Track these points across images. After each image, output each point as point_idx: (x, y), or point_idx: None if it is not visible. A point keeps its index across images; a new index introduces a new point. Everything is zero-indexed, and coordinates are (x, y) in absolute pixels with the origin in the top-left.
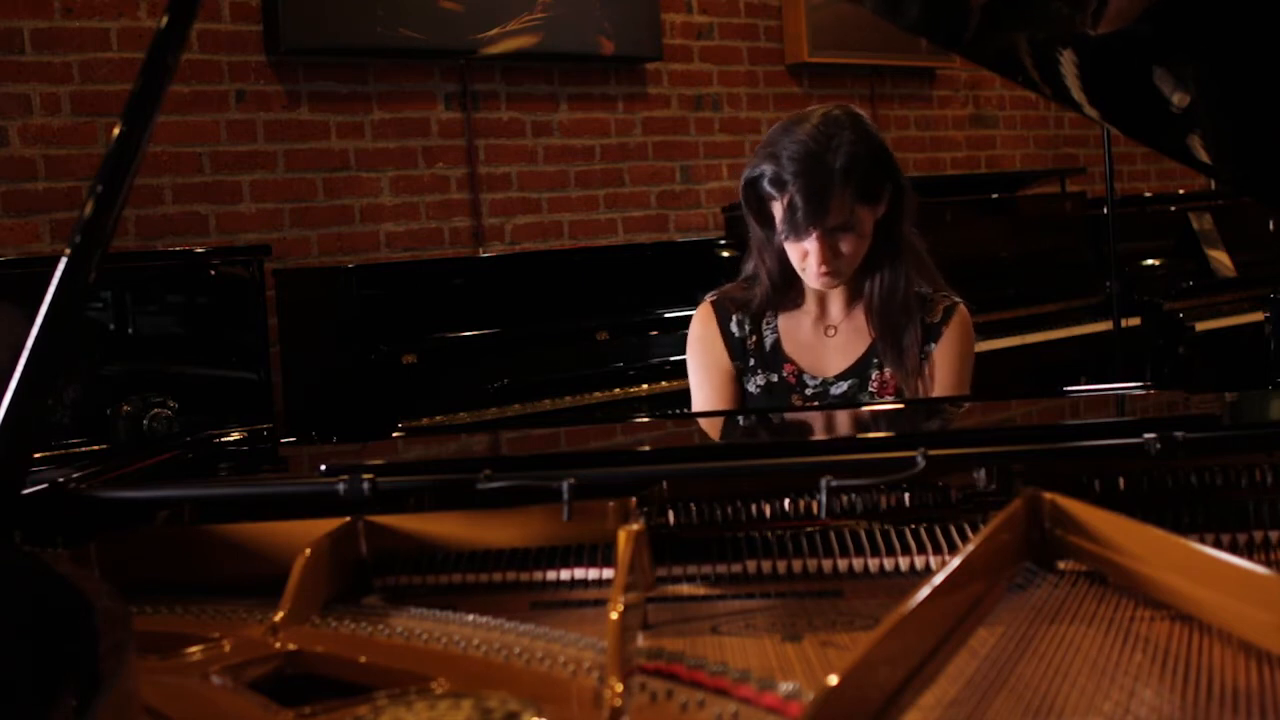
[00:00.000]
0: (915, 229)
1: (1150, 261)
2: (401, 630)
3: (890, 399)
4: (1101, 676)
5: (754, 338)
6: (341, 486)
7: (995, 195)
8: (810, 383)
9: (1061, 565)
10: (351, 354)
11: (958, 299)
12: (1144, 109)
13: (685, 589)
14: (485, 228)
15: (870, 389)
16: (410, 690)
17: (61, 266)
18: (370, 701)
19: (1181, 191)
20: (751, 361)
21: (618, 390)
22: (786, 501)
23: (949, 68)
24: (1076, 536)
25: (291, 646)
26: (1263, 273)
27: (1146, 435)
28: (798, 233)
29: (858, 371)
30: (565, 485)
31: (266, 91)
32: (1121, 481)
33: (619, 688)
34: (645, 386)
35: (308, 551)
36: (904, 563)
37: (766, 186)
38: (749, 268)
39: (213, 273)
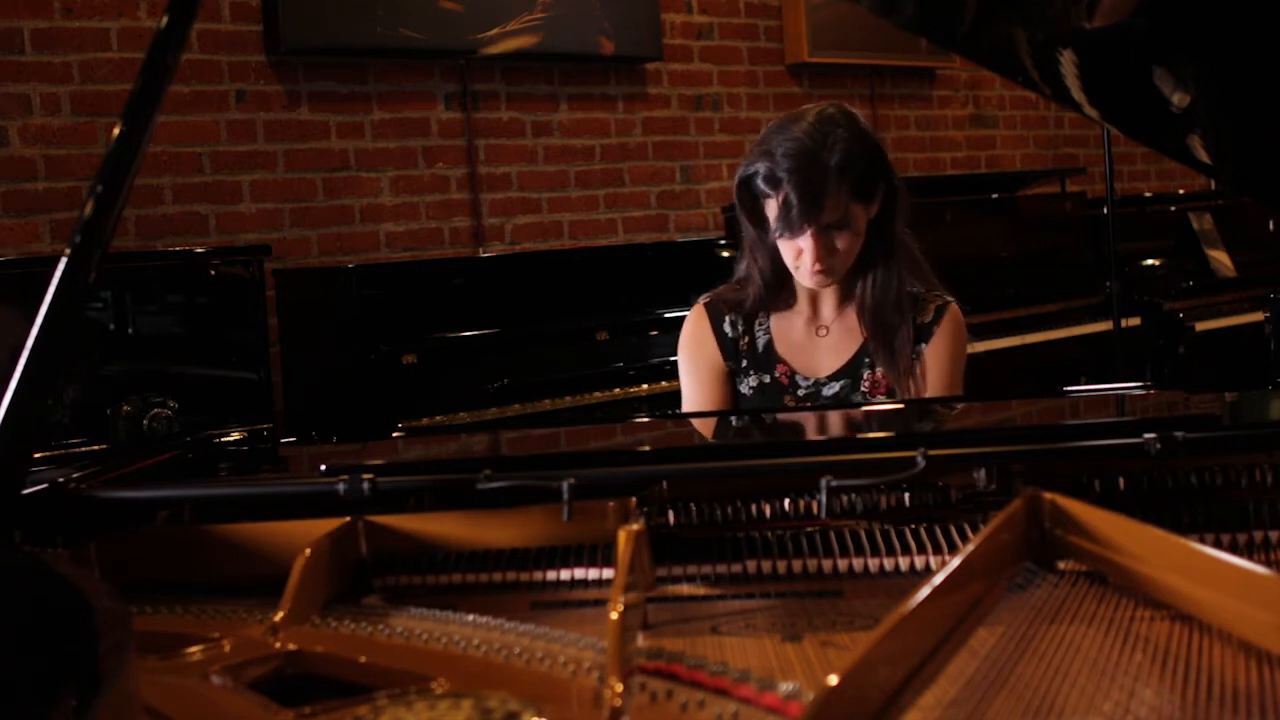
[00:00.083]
0: (908, 229)
1: (1150, 261)
2: (401, 630)
3: (882, 399)
4: (1101, 676)
5: (746, 339)
6: (341, 486)
7: (995, 195)
8: (802, 383)
9: (1061, 565)
10: (351, 354)
11: (949, 298)
12: (1144, 109)
13: (685, 589)
14: (485, 228)
15: (862, 389)
16: (410, 690)
17: (61, 266)
18: (370, 701)
19: (1181, 191)
20: (744, 363)
21: (618, 390)
22: (786, 501)
23: (949, 68)
24: (1076, 536)
25: (291, 646)
26: (1263, 273)
27: (1146, 435)
28: (792, 230)
29: (850, 372)
30: (565, 485)
31: (266, 91)
32: (1121, 481)
33: (619, 688)
34: (645, 386)
35: (308, 551)
36: (904, 563)
37: (761, 184)
38: (741, 268)
39: (213, 273)
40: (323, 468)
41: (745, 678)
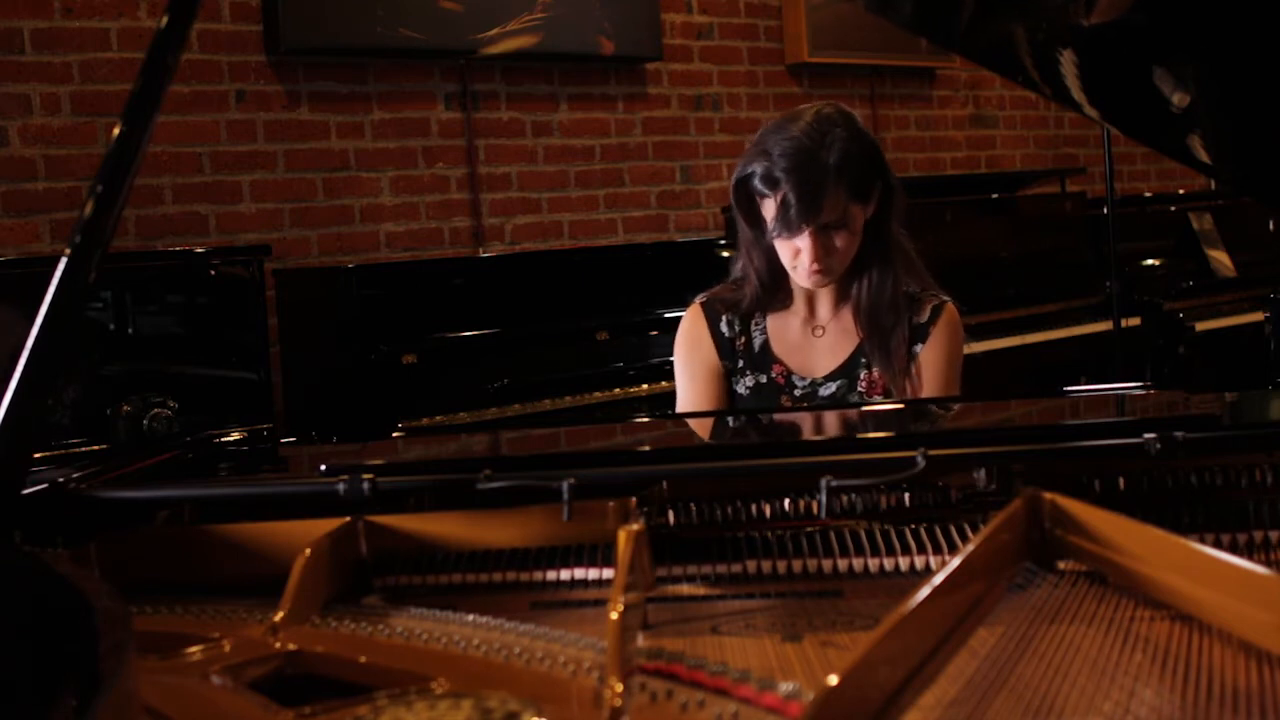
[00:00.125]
0: (904, 228)
1: (1150, 261)
2: (401, 630)
3: (879, 399)
4: (1101, 676)
5: (743, 339)
6: (341, 486)
7: (995, 195)
8: (799, 383)
9: (1061, 565)
10: (351, 354)
11: (945, 297)
12: (1144, 109)
13: (685, 589)
14: (485, 228)
15: (859, 389)
16: (410, 690)
17: (61, 266)
18: (370, 701)
19: (1181, 191)
20: (740, 363)
21: (618, 390)
22: (786, 501)
23: (949, 68)
24: (1076, 536)
25: (291, 646)
26: (1263, 273)
27: (1146, 435)
28: (790, 230)
29: (846, 372)
30: (565, 485)
31: (266, 91)
32: (1121, 481)
33: (619, 688)
34: (645, 386)
35: (308, 551)
36: (904, 563)
37: (758, 185)
38: (737, 268)
39: (213, 273)
40: (323, 468)
41: (745, 678)
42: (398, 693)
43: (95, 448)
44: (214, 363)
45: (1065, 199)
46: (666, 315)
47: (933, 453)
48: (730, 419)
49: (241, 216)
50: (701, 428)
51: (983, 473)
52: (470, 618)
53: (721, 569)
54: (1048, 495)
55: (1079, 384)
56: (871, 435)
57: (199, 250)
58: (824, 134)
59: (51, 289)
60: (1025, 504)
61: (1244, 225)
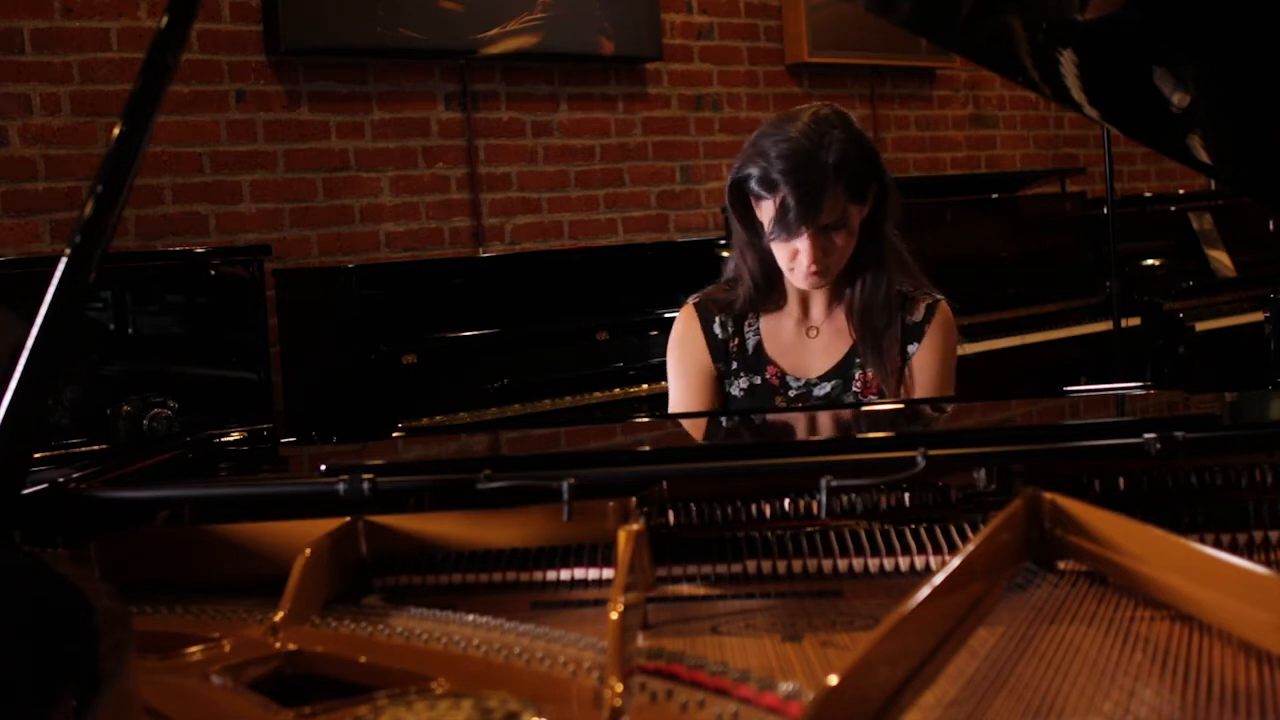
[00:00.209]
0: (899, 229)
1: (1150, 261)
2: (401, 630)
3: (874, 399)
4: (1101, 676)
5: (736, 340)
6: (341, 486)
7: (995, 195)
8: (793, 384)
9: (1061, 565)
10: (351, 354)
11: (939, 296)
12: (1144, 109)
13: (685, 589)
14: (485, 228)
15: (854, 389)
16: (410, 690)
17: (61, 266)
18: (370, 701)
19: (1181, 191)
20: (734, 364)
21: (618, 390)
22: (786, 501)
23: (949, 68)
24: (1076, 536)
25: (291, 646)
26: (1263, 273)
27: (1146, 435)
28: (790, 232)
29: (840, 372)
30: (565, 485)
31: (266, 91)
32: (1121, 481)
33: (619, 688)
34: (645, 386)
35: (308, 551)
36: (904, 563)
37: (755, 187)
38: (730, 269)
39: (213, 273)
40: (323, 468)
41: (745, 678)
42: (398, 693)
43: (95, 448)
44: (214, 363)
45: (1065, 199)
46: (667, 315)
47: (933, 453)
48: (730, 419)
49: (241, 216)
50: (701, 428)
51: (983, 473)
52: (470, 618)
53: (721, 569)
54: (1048, 495)
55: (1079, 384)
56: (871, 435)
57: (199, 250)
58: (822, 135)
59: (51, 289)
60: (1025, 504)
61: (1244, 225)
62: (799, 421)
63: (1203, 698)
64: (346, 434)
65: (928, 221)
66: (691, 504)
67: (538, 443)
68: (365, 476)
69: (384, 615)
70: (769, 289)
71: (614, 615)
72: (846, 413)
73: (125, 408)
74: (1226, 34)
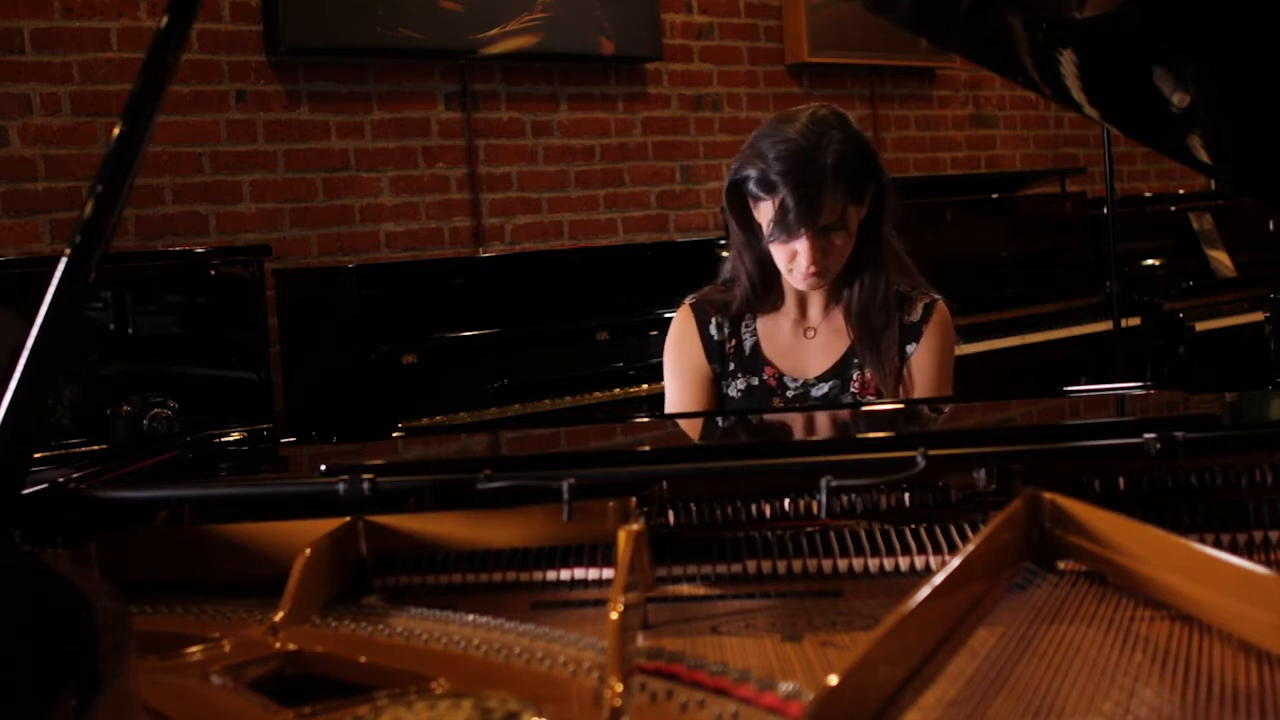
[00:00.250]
0: (897, 229)
1: (1150, 261)
2: (401, 630)
3: (872, 399)
4: (1101, 676)
5: (733, 341)
6: (341, 486)
7: (995, 195)
8: (791, 385)
9: (1061, 565)
10: (351, 354)
11: (936, 296)
12: (1144, 109)
13: (685, 589)
14: (485, 228)
15: (851, 390)
16: (410, 690)
17: (61, 266)
18: (370, 701)
19: (1181, 191)
20: (731, 365)
21: (618, 390)
22: (786, 501)
23: (949, 68)
24: (1076, 536)
25: (291, 646)
26: (1263, 273)
27: (1146, 435)
28: (789, 233)
29: (838, 373)
30: (565, 485)
31: (266, 91)
32: (1121, 481)
33: (619, 688)
34: (645, 386)
35: (308, 551)
36: (904, 563)
37: (753, 188)
38: (727, 270)
39: (213, 273)
40: (323, 468)
41: (745, 678)
42: (398, 693)
43: (95, 448)
44: (214, 363)
45: (1065, 199)
46: (666, 315)
47: (933, 453)
48: (730, 420)
49: (241, 216)
50: (701, 428)
51: (983, 473)
52: (470, 618)
53: (721, 569)
54: (1048, 495)
55: (1079, 384)
56: (871, 435)
57: (199, 250)
58: (820, 136)
59: (51, 289)
60: (1025, 504)
61: (1244, 225)
62: (799, 422)
63: (1203, 698)
64: (346, 434)
65: (928, 221)
66: (691, 504)
67: (538, 443)
68: (365, 476)
69: (384, 615)
70: (766, 290)
71: (614, 615)
72: (846, 413)
73: (125, 408)
74: (1226, 34)
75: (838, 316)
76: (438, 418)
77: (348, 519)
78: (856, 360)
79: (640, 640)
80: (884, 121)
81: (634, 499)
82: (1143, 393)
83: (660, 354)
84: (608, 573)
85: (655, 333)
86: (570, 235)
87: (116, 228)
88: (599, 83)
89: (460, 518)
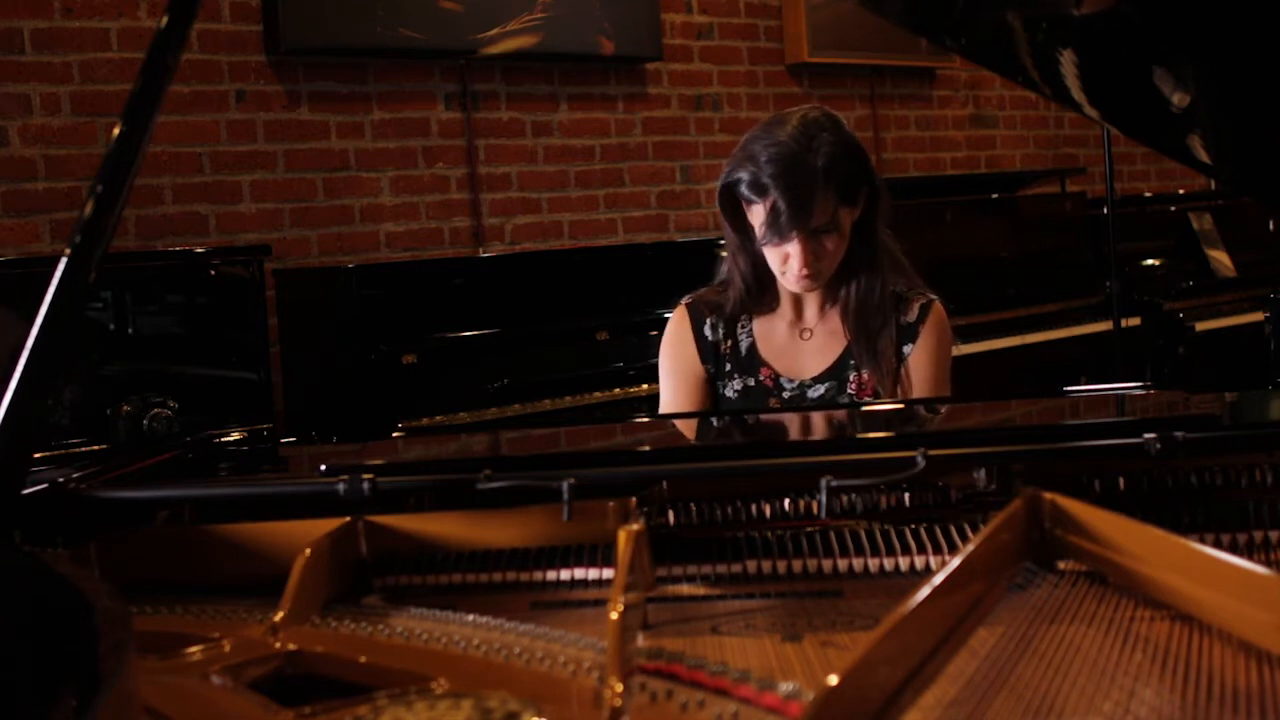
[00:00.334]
0: (889, 229)
1: (1150, 261)
2: (401, 630)
3: (869, 400)
4: (1101, 676)
5: (729, 342)
6: (341, 486)
7: (995, 195)
8: (787, 385)
9: (1061, 565)
10: (351, 354)
11: (933, 296)
12: (1144, 109)
13: (685, 589)
14: (485, 228)
15: (848, 391)
16: (410, 690)
17: (61, 266)
18: (370, 701)
19: (1181, 191)
20: (727, 366)
21: (618, 390)
22: (786, 501)
23: (949, 68)
24: (1076, 536)
25: (291, 646)
26: (1263, 273)
27: (1146, 435)
28: (781, 236)
29: (835, 374)
30: (565, 485)
31: (266, 91)
32: (1121, 481)
33: (619, 688)
34: (645, 386)
35: (308, 551)
36: (904, 563)
37: (745, 191)
38: (723, 271)
39: (213, 273)
40: (323, 468)
41: (745, 678)
42: (398, 693)
43: (95, 448)
44: (214, 363)
45: (1065, 199)
46: (666, 315)
47: (933, 453)
48: (730, 420)
49: (241, 216)
50: (701, 429)
51: (983, 473)
52: (470, 618)
53: (721, 569)
54: (1048, 495)
55: (1079, 384)
56: (871, 435)
57: (199, 250)
58: (811, 138)
59: (51, 289)
60: (1025, 504)
61: (1244, 225)
62: (799, 422)
63: (1203, 698)
64: (346, 434)
65: (928, 221)
66: (691, 504)
67: (538, 443)
68: (365, 476)
69: (384, 615)
70: (761, 292)
71: (614, 615)
72: (846, 413)
73: (125, 408)
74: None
75: (834, 318)
76: (438, 418)
77: (348, 519)
78: (853, 361)
79: (640, 640)
80: (884, 121)
81: (634, 499)
82: (1143, 393)
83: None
84: (608, 573)
85: (655, 333)
86: (570, 235)
87: (116, 228)
88: (599, 83)
89: (460, 518)
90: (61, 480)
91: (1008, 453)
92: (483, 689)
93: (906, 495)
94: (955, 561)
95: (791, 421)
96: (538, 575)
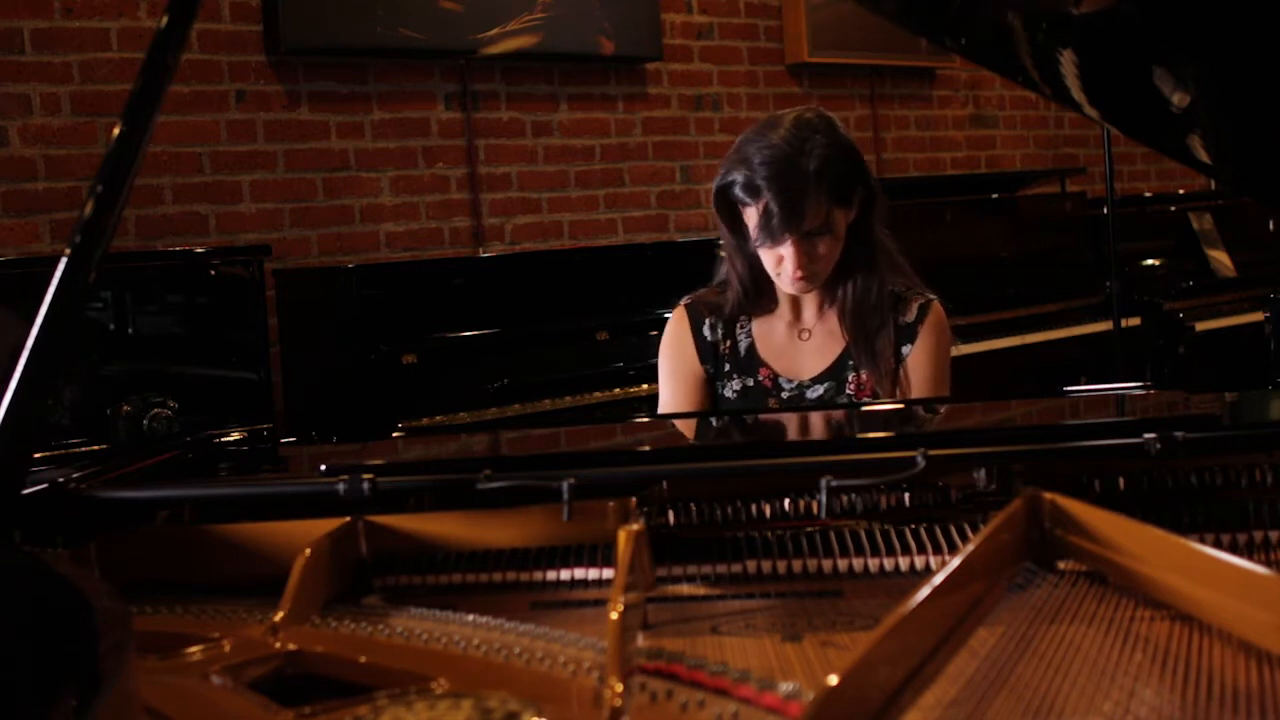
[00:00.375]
0: (886, 229)
1: (1150, 261)
2: (401, 630)
3: (868, 400)
4: (1101, 676)
5: (728, 343)
6: (341, 486)
7: (995, 195)
8: (786, 386)
9: (1061, 565)
10: (351, 354)
11: (931, 295)
12: (1144, 109)
13: (685, 589)
14: (485, 228)
15: (847, 391)
16: (410, 690)
17: (61, 266)
18: (370, 701)
19: (1181, 191)
20: (726, 366)
21: (618, 390)
22: (786, 501)
23: (949, 68)
24: (1076, 536)
25: (291, 646)
26: (1263, 273)
27: (1146, 435)
28: (773, 238)
29: (834, 374)
30: (565, 485)
31: (266, 91)
32: (1121, 481)
33: (619, 688)
34: (645, 386)
35: (308, 551)
36: (904, 563)
37: (739, 193)
38: (721, 272)
39: (213, 273)
40: (323, 468)
41: (745, 678)
42: (398, 693)
43: (95, 448)
44: (214, 363)
45: (1065, 199)
46: (667, 315)
47: (933, 453)
48: (730, 420)
49: (241, 216)
50: (701, 429)
51: (983, 473)
52: (470, 618)
53: (721, 569)
54: (1048, 495)
55: (1079, 384)
56: (871, 435)
57: (199, 250)
58: (804, 140)
59: (51, 289)
60: (1025, 504)
61: (1244, 225)
62: (799, 422)
63: (1203, 698)
64: (346, 434)
65: (928, 221)
66: (691, 504)
67: (538, 443)
68: (365, 476)
69: (384, 615)
70: (759, 293)
71: (614, 615)
72: (846, 413)
73: (125, 408)
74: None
75: (832, 318)
76: (438, 418)
77: (348, 519)
78: (852, 362)
79: (640, 640)
80: (884, 121)
81: (634, 499)
82: (1143, 393)
83: None
84: (608, 573)
85: (655, 333)
86: (570, 235)
87: (116, 228)
88: (599, 83)
89: (460, 518)
90: (61, 480)
91: (1008, 453)
92: (483, 689)
93: (906, 495)
94: (955, 561)
95: (791, 421)
96: (538, 575)
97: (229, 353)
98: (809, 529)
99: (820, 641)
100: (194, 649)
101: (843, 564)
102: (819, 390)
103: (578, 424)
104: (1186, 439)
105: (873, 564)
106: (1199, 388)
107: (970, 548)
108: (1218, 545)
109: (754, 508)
